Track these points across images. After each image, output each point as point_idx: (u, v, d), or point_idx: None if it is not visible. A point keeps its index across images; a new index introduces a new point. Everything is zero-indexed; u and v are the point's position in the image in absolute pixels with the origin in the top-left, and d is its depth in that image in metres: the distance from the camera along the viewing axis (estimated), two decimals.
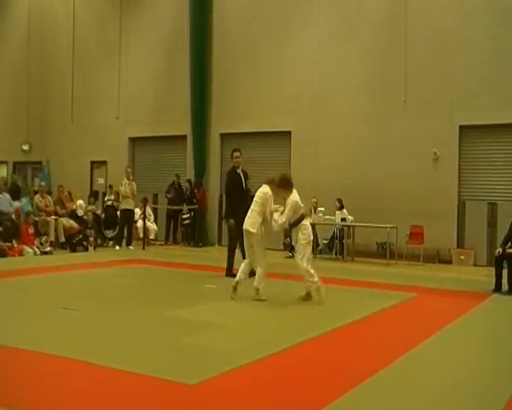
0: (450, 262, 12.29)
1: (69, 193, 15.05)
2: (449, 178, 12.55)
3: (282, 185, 7.22)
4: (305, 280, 7.17)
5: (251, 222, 7.21)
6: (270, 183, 7.32)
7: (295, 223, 7.20)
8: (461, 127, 12.50)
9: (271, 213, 7.19)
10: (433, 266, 12.01)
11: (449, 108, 12.47)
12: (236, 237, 8.99)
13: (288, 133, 14.60)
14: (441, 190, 12.50)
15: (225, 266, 9.22)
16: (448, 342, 5.60)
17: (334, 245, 13.14)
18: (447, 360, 4.98)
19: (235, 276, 8.33)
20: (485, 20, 12.24)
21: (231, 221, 9.00)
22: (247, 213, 8.68)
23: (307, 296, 7.23)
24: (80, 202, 14.76)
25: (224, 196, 10.12)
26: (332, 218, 12.73)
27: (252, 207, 7.33)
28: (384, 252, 12.40)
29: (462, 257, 12.21)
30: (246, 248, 7.49)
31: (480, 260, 12.09)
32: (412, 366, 4.72)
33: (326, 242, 13.43)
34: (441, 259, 12.44)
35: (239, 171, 9.35)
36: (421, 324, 6.43)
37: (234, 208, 9.05)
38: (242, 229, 8.54)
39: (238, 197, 9.08)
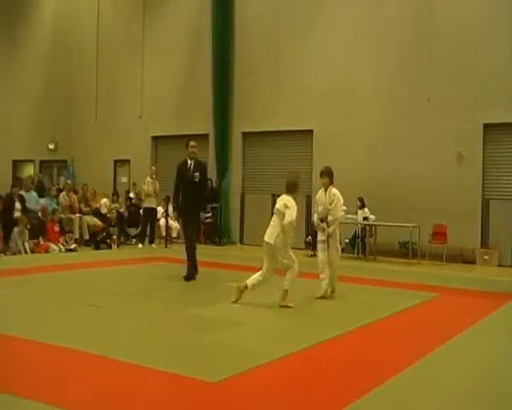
0: (473, 262, 12.13)
1: (94, 191, 15.30)
2: (473, 177, 12.39)
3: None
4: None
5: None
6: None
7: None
8: (485, 125, 12.33)
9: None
10: (456, 265, 11.87)
11: (473, 106, 12.31)
12: (188, 230, 8.65)
13: (310, 132, 14.58)
14: (465, 189, 12.36)
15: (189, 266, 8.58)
16: (472, 344, 5.55)
17: (356, 244, 13.09)
18: (471, 362, 4.94)
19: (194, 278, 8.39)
20: (510, 15, 12.04)
21: (174, 215, 8.90)
22: (196, 208, 8.63)
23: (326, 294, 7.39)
24: (105, 200, 14.96)
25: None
26: (354, 217, 12.68)
27: (273, 217, 6.93)
28: (406, 251, 12.30)
29: (486, 257, 12.05)
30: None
31: (505, 260, 11.92)
32: (436, 366, 4.69)
33: (348, 241, 13.38)
34: (465, 259, 12.29)
35: (190, 163, 8.65)
36: (445, 324, 6.38)
37: (177, 201, 8.68)
38: (187, 224, 8.48)
39: (184, 191, 8.56)
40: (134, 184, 16.12)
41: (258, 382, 4.15)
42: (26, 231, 11.56)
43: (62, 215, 12.99)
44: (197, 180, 8.55)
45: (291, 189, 6.97)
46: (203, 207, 9.14)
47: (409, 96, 13.16)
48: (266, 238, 6.81)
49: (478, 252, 12.20)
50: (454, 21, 12.64)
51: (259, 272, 6.90)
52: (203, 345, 5.05)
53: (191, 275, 8.52)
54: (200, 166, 8.76)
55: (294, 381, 4.22)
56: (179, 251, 13.14)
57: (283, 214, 6.73)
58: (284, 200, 6.87)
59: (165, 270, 10.05)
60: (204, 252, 13.29)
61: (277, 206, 6.90)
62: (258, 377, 4.25)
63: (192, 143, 8.77)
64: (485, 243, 12.34)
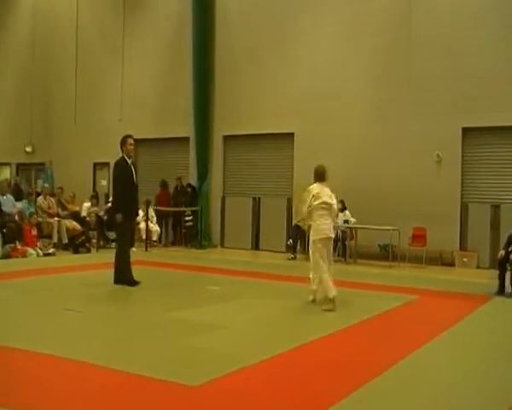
0: (452, 264, 12.26)
1: (73, 195, 15.10)
2: (452, 180, 12.53)
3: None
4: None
5: (330, 228, 7.09)
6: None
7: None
8: (464, 129, 12.49)
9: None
10: (435, 268, 11.99)
11: (452, 110, 12.46)
12: (127, 236, 8.39)
13: (291, 135, 14.61)
14: (444, 192, 12.49)
15: (118, 272, 8.11)
16: (450, 345, 5.59)
17: (337, 247, 13.11)
18: (448, 364, 4.98)
19: (136, 282, 8.01)
20: (489, 21, 12.22)
21: (119, 216, 8.06)
22: (136, 209, 8.49)
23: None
24: (87, 204, 14.77)
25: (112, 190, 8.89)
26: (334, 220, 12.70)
27: (325, 212, 7.03)
28: (386, 254, 12.39)
29: (464, 259, 12.19)
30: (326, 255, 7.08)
31: (483, 262, 12.05)
32: (413, 369, 4.72)
33: None
34: (444, 261, 12.41)
35: (130, 162, 8.25)
36: (424, 326, 6.43)
37: (124, 204, 8.14)
38: (131, 226, 8.22)
39: (128, 192, 8.13)
40: None
41: (239, 385, 4.11)
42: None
43: (40, 219, 12.81)
44: (137, 183, 8.39)
45: (323, 176, 7.19)
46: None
47: (389, 100, 13.26)
48: (331, 234, 7.07)
49: (457, 254, 12.33)
50: (434, 26, 12.77)
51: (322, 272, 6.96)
52: (185, 348, 5.01)
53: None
54: (135, 167, 8.48)
55: (277, 383, 4.20)
56: (160, 255, 13.12)
57: (331, 205, 7.07)
58: (328, 191, 7.09)
59: (145, 274, 9.93)
60: (185, 255, 13.27)
61: (326, 199, 7.02)
62: (239, 380, 4.22)
63: (131, 140, 8.26)
64: (463, 246, 12.48)
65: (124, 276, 8.16)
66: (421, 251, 12.27)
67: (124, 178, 8.16)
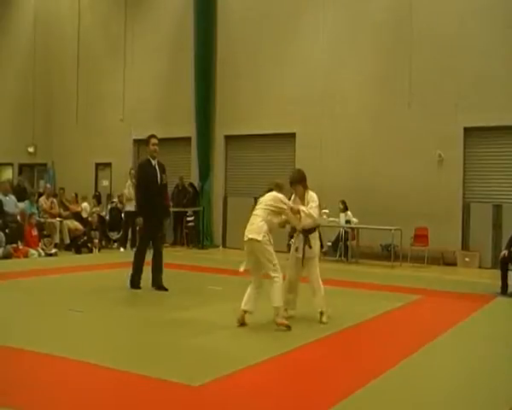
0: (454, 264, 12.25)
1: (76, 195, 15.10)
2: (454, 180, 12.52)
3: (301, 180, 6.39)
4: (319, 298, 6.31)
5: (255, 228, 5.86)
6: (275, 188, 6.30)
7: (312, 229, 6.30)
8: (465, 129, 12.47)
9: (297, 210, 6.14)
10: (437, 268, 11.98)
11: (454, 109, 12.45)
12: (147, 239, 8.09)
13: (293, 135, 14.60)
14: (446, 192, 12.48)
15: (131, 272, 8.00)
16: (452, 345, 5.59)
17: (339, 247, 13.12)
18: (451, 363, 4.97)
19: (138, 287, 7.78)
20: (491, 21, 12.20)
21: (140, 220, 7.95)
22: (163, 211, 8.12)
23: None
24: (85, 204, 14.79)
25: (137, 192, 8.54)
26: (336, 220, 12.72)
27: (256, 212, 6.02)
28: (388, 254, 12.38)
29: (466, 259, 12.18)
30: (249, 263, 6.00)
31: (485, 262, 12.05)
32: (415, 368, 4.71)
33: (330, 244, 13.41)
34: (446, 261, 12.41)
35: (154, 162, 8.04)
36: (426, 326, 6.42)
37: (147, 206, 7.89)
38: (155, 229, 7.83)
39: (152, 193, 7.88)
40: (119, 196, 15.55)
41: (240, 385, 4.11)
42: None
43: (42, 219, 12.83)
44: (165, 182, 8.18)
45: (275, 187, 6.28)
46: (168, 211, 8.77)
47: (390, 101, 13.26)
48: (250, 235, 5.83)
49: (459, 254, 12.33)
50: (435, 26, 12.77)
51: (250, 288, 5.98)
52: (187, 348, 5.01)
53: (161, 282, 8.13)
54: (163, 167, 8.21)
55: (278, 383, 4.20)
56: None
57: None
58: (269, 197, 6.11)
59: (146, 274, 9.94)
60: (187, 255, 13.28)
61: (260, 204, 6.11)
62: (240, 380, 4.22)
63: (154, 140, 8.14)
64: (465, 246, 12.47)
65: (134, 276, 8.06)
66: (423, 251, 12.26)
67: (145, 180, 7.99)
